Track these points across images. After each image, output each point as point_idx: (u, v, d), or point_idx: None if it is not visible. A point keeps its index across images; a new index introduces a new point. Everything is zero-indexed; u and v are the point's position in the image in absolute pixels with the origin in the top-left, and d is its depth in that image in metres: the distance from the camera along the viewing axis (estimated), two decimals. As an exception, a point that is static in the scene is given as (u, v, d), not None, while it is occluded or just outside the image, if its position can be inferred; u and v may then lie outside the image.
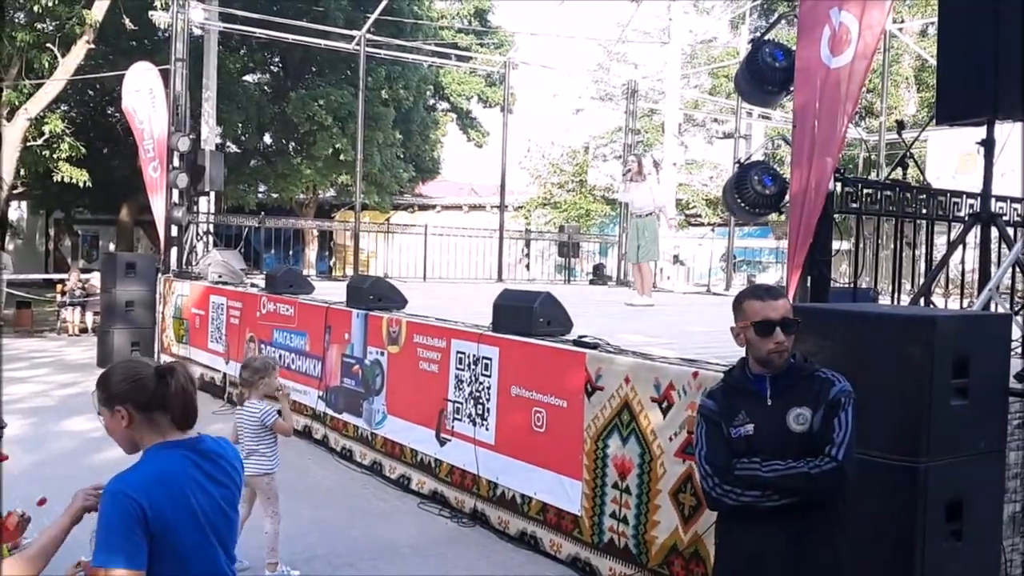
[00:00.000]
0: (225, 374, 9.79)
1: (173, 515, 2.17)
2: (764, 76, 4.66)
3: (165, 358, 11.51)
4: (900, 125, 6.30)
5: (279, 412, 5.01)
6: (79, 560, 2.40)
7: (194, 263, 12.20)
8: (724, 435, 2.81)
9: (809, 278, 4.12)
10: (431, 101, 26.90)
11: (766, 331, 2.79)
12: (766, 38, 4.87)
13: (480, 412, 5.92)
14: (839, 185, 4.28)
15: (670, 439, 4.56)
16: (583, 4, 27.30)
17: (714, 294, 14.10)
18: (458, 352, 6.17)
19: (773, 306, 2.84)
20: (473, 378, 5.99)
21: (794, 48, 4.34)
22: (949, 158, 13.48)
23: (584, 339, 5.36)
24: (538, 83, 59.07)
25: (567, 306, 5.91)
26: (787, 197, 4.28)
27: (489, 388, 5.84)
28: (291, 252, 24.14)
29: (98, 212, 25.71)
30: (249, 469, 4.89)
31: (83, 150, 16.86)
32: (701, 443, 2.89)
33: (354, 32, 14.97)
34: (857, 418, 2.75)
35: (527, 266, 16.91)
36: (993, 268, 4.50)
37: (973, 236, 4.99)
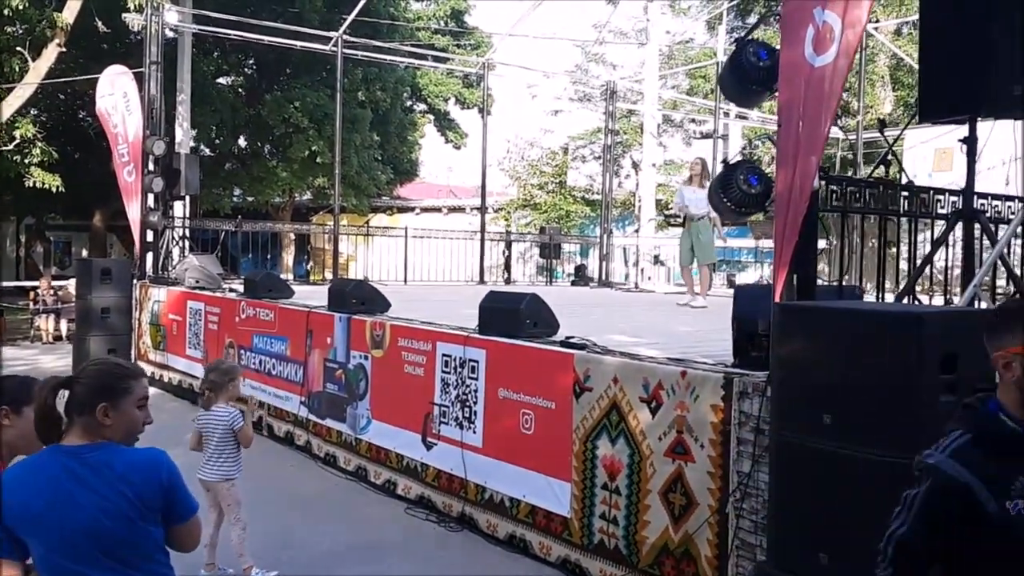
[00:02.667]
0: (205, 380, 9.68)
1: (23, 512, 2.27)
2: (748, 75, 4.67)
3: (143, 364, 11.37)
4: (882, 124, 6.36)
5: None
6: None
7: (170, 268, 12.06)
8: (974, 515, 1.93)
9: (795, 276, 4.13)
10: (408, 103, 26.79)
11: None
12: (750, 37, 4.88)
13: (467, 415, 5.88)
14: (823, 183, 4.30)
15: (659, 439, 4.55)
16: (560, 4, 27.29)
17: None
18: (444, 355, 6.12)
19: None
20: (460, 381, 5.95)
21: (778, 47, 4.35)
22: (925, 156, 13.61)
23: (571, 340, 5.34)
24: (516, 84, 59.01)
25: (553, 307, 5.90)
26: (772, 196, 4.29)
27: (476, 391, 5.80)
28: (268, 256, 23.96)
29: (70, 218, 25.39)
30: (211, 474, 4.85)
31: (55, 155, 16.60)
32: (905, 515, 2.05)
33: (331, 33, 14.87)
34: None
35: (507, 267, 16.84)
36: (976, 264, 4.54)
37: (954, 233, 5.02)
